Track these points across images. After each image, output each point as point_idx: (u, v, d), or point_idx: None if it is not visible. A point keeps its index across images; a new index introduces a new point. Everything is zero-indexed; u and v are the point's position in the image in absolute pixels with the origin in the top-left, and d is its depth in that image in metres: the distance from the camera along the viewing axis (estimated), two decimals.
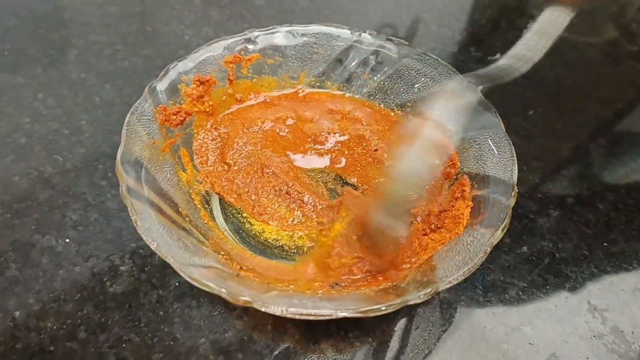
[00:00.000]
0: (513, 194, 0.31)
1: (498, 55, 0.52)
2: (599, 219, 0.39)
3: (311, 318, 0.26)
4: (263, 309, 0.26)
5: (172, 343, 0.31)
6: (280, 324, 0.32)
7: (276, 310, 0.26)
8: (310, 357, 0.31)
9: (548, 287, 0.35)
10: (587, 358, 0.32)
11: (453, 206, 0.34)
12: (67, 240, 0.36)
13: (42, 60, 0.50)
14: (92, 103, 0.46)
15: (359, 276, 0.32)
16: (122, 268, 0.35)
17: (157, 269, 0.35)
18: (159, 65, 0.38)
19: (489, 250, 0.28)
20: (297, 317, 0.26)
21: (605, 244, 0.38)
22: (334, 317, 0.26)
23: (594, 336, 0.33)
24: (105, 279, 0.34)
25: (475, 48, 0.54)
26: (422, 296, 0.26)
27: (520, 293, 0.35)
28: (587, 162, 0.43)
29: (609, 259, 0.37)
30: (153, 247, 0.28)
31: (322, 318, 0.26)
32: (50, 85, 0.47)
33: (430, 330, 0.33)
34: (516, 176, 0.32)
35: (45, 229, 0.37)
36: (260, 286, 0.30)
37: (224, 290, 0.26)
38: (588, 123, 0.47)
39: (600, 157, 0.43)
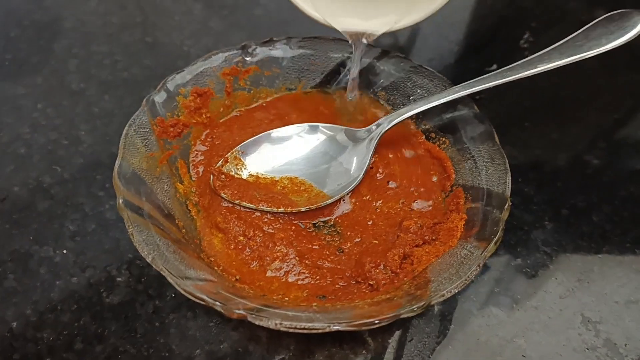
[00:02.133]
0: (506, 207, 0.31)
1: (495, 67, 0.53)
2: (594, 231, 0.39)
3: (305, 332, 0.26)
4: (257, 323, 0.26)
5: (167, 354, 0.32)
6: (276, 335, 0.33)
7: (270, 323, 0.26)
8: None
9: (542, 299, 0.35)
10: None
11: (447, 219, 0.34)
12: (65, 250, 0.36)
13: (43, 70, 0.50)
14: (92, 113, 0.46)
15: (342, 284, 0.32)
16: (118, 279, 0.35)
17: (154, 279, 0.35)
18: (159, 76, 0.39)
19: (482, 263, 0.28)
20: (292, 330, 0.26)
21: (600, 256, 0.38)
22: (327, 330, 0.26)
23: (587, 348, 0.33)
24: (102, 290, 0.34)
25: (473, 59, 0.54)
26: (415, 309, 0.26)
27: (514, 305, 0.35)
28: (584, 173, 0.43)
29: (603, 272, 0.37)
30: (149, 259, 0.28)
31: (316, 332, 0.26)
32: (50, 95, 0.48)
33: (425, 341, 0.33)
34: (510, 189, 0.32)
35: (43, 239, 0.37)
36: (255, 298, 0.30)
37: (218, 303, 0.26)
38: (585, 133, 0.47)
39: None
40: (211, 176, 0.37)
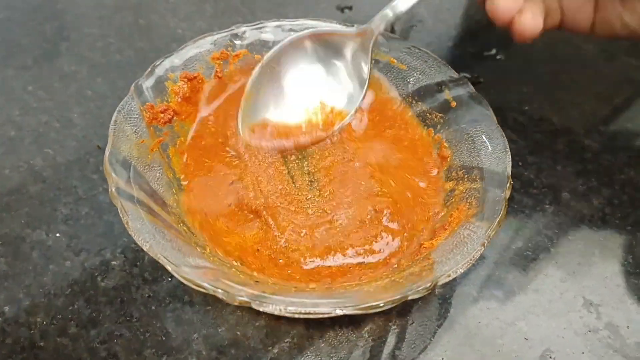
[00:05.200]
0: (508, 185, 0.31)
1: (494, 51, 0.52)
2: (594, 214, 0.39)
3: (311, 317, 0.26)
4: (261, 309, 0.26)
5: (164, 338, 0.31)
6: (275, 319, 0.32)
7: (274, 309, 0.25)
8: (306, 353, 0.31)
9: (543, 282, 0.35)
10: (582, 353, 0.32)
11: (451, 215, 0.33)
12: (58, 234, 0.36)
13: (33, 52, 0.49)
14: (84, 96, 0.45)
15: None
16: (113, 262, 0.34)
17: (150, 263, 0.34)
18: (152, 59, 0.38)
19: (487, 242, 0.28)
20: (297, 316, 0.26)
21: (601, 239, 0.37)
22: (333, 315, 0.25)
23: (589, 331, 0.33)
24: (96, 274, 0.34)
25: (471, 43, 0.54)
26: (421, 290, 0.26)
27: (515, 288, 0.35)
28: (583, 157, 0.43)
29: (604, 255, 0.37)
30: (145, 248, 0.27)
31: (321, 316, 0.26)
32: (41, 77, 0.47)
33: (426, 325, 0.33)
34: (510, 167, 0.32)
35: (35, 222, 0.36)
36: (256, 285, 0.29)
37: (220, 291, 0.26)
38: (584, 118, 0.47)
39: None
40: None
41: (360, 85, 0.38)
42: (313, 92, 0.39)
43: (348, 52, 0.39)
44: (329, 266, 0.31)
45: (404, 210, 0.34)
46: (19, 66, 0.47)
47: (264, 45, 0.41)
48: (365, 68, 0.38)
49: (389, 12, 0.37)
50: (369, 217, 0.33)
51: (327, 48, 0.39)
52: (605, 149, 0.44)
